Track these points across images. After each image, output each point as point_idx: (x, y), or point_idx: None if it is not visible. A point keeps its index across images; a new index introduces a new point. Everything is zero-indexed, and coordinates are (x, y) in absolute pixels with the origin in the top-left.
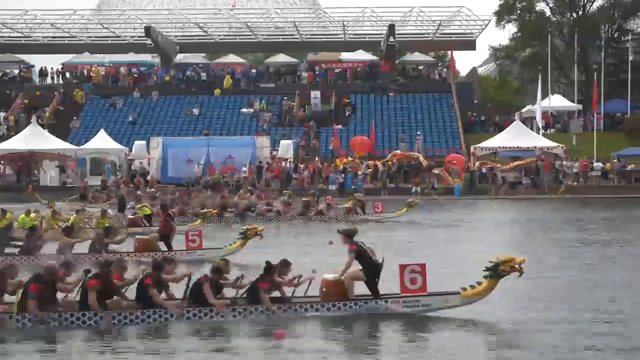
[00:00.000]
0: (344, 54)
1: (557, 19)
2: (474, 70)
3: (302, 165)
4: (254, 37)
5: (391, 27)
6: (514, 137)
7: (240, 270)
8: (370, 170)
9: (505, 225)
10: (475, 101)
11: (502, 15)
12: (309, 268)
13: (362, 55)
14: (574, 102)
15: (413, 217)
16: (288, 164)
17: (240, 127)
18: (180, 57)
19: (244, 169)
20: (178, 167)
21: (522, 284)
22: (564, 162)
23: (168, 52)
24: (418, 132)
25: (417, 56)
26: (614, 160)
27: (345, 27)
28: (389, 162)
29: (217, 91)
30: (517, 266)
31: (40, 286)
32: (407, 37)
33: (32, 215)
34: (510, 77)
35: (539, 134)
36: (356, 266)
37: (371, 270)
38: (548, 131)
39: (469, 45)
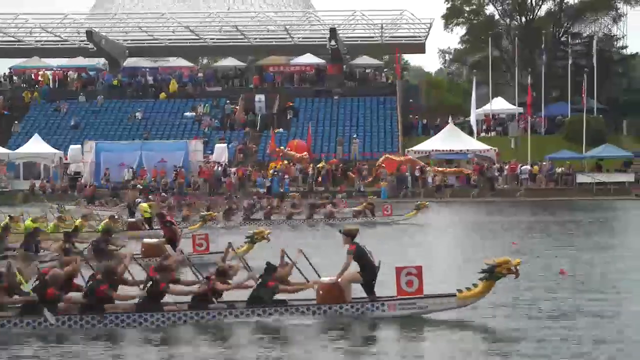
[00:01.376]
0: (293, 57)
1: (505, 23)
2: (421, 73)
3: (232, 169)
4: (202, 41)
5: (332, 31)
6: (448, 140)
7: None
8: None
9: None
10: (421, 104)
11: (450, 18)
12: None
13: (310, 58)
14: (523, 104)
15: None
16: (219, 168)
17: (182, 131)
18: (130, 61)
19: (175, 172)
20: (111, 171)
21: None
22: (493, 166)
23: (115, 56)
24: (355, 136)
25: (364, 59)
26: (543, 163)
27: (290, 32)
28: (319, 166)
29: (162, 95)
30: (513, 268)
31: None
32: (357, 41)
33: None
34: (462, 80)
35: (473, 136)
36: (353, 268)
37: (369, 271)
38: (489, 134)
39: (418, 48)
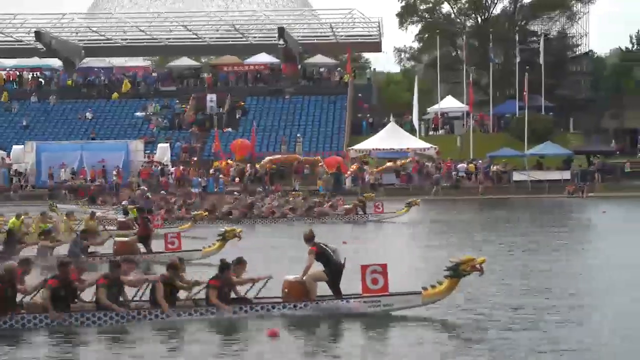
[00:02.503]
0: (247, 57)
1: (460, 21)
2: (373, 72)
3: (172, 169)
4: (158, 41)
5: (281, 30)
6: (388, 139)
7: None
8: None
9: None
10: (373, 103)
11: (405, 17)
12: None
13: (264, 58)
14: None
15: None
16: (158, 168)
17: (131, 130)
18: (85, 62)
19: (114, 172)
20: (54, 171)
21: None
22: (430, 164)
23: (70, 56)
24: (298, 135)
25: (319, 59)
26: (479, 162)
27: (243, 31)
28: (257, 165)
29: (114, 95)
30: (478, 266)
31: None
32: (313, 40)
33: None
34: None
35: (415, 135)
36: (318, 267)
37: (333, 270)
38: (438, 132)
39: (375, 47)
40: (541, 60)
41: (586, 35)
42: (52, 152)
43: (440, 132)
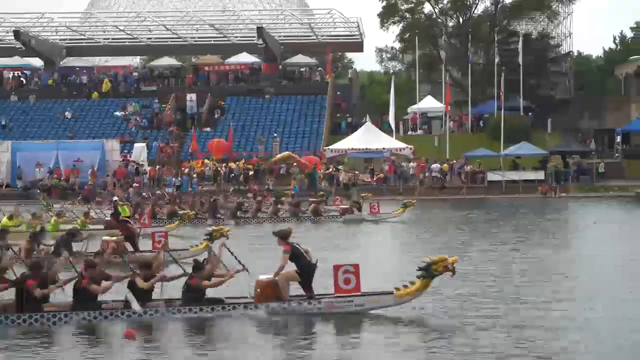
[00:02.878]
0: (229, 57)
1: (442, 21)
2: (354, 71)
3: (147, 168)
4: (140, 40)
5: (259, 30)
6: (364, 138)
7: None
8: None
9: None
10: (354, 103)
11: (386, 17)
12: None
13: (245, 57)
14: (461, 102)
15: None
16: (132, 167)
17: (110, 130)
18: (67, 61)
19: (89, 171)
20: (28, 171)
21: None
22: (404, 164)
23: (51, 56)
24: (275, 134)
25: (300, 58)
26: (453, 162)
27: (224, 31)
28: (231, 165)
29: (94, 95)
30: (449, 266)
31: None
32: (294, 40)
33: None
34: (400, 78)
35: (392, 135)
36: (291, 267)
37: (305, 270)
38: (416, 132)
39: (356, 47)
40: (520, 61)
41: (570, 35)
42: (27, 152)
43: (419, 132)
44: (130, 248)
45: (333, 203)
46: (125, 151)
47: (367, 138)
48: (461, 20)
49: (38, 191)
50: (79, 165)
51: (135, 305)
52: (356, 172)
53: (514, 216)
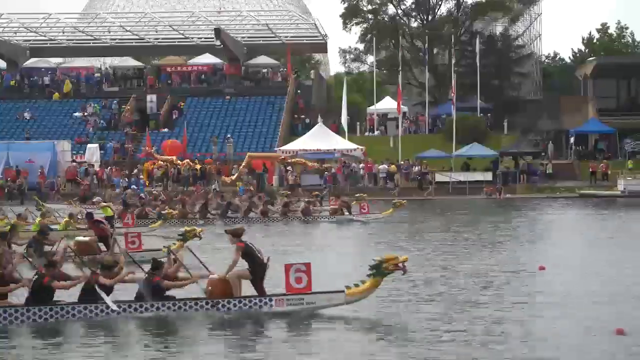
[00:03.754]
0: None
1: (404, 22)
2: (316, 72)
3: (96, 169)
4: (102, 42)
5: (217, 31)
6: (316, 139)
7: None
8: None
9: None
10: (312, 104)
11: (349, 18)
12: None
13: (207, 58)
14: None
15: None
16: (81, 168)
17: (67, 131)
18: (30, 62)
19: (39, 172)
20: None
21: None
22: (354, 164)
23: (13, 56)
24: (228, 135)
25: (262, 59)
26: (400, 163)
27: (184, 32)
28: (181, 166)
29: (55, 95)
30: (400, 264)
31: None
32: (258, 41)
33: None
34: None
35: (344, 137)
36: (243, 265)
37: (257, 268)
38: (373, 133)
39: (321, 47)
40: (477, 61)
41: (539, 37)
42: None
43: (376, 133)
44: (103, 248)
45: (329, 203)
46: (81, 152)
47: (319, 139)
48: (423, 21)
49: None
50: (30, 166)
51: (109, 302)
52: (295, 174)
53: (440, 217)
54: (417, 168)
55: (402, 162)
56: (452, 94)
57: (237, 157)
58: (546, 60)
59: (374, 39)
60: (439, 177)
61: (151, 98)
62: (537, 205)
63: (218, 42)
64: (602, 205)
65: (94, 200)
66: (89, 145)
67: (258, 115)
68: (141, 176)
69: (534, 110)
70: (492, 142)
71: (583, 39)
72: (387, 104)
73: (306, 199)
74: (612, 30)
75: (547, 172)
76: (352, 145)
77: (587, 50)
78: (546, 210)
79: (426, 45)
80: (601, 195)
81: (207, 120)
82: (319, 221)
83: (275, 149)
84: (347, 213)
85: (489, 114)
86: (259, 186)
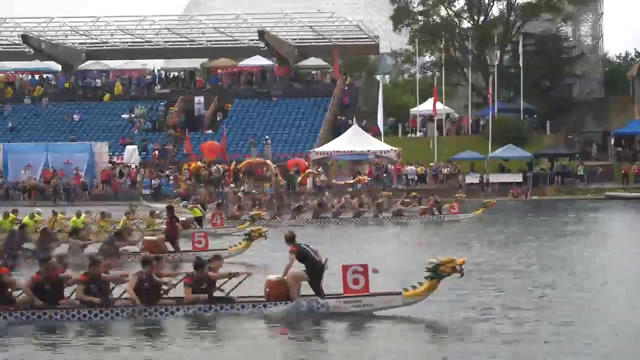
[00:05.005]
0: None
1: (455, 23)
2: (365, 75)
3: (128, 171)
4: (155, 44)
5: (261, 33)
6: (351, 141)
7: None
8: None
9: None
10: (358, 105)
11: (398, 19)
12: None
13: (257, 60)
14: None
15: None
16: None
17: (114, 132)
18: (85, 65)
19: (74, 172)
20: (18, 172)
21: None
22: (390, 166)
23: (67, 59)
24: (267, 136)
25: (312, 61)
26: (430, 164)
27: (233, 35)
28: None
29: (106, 97)
30: (457, 267)
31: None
32: (311, 43)
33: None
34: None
35: (381, 138)
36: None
37: (313, 270)
38: (415, 134)
39: (373, 49)
40: (520, 62)
41: (601, 37)
42: (18, 153)
43: (419, 134)
44: (170, 248)
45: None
46: (123, 153)
47: (354, 140)
48: (476, 22)
49: (19, 192)
50: (67, 167)
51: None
52: (322, 174)
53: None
54: (446, 169)
55: (432, 164)
56: (489, 95)
57: (276, 159)
58: (617, 61)
59: (418, 40)
60: (469, 179)
61: (199, 100)
62: (559, 207)
63: (262, 44)
64: (624, 207)
65: (181, 204)
66: (127, 147)
67: (302, 116)
68: (171, 177)
69: (581, 112)
70: (534, 143)
71: None
72: (431, 106)
73: (401, 200)
74: None
75: (579, 173)
76: (387, 147)
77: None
78: (565, 212)
79: (469, 46)
80: (628, 197)
81: (251, 121)
82: (410, 221)
83: (309, 150)
84: (438, 213)
85: (534, 115)
86: (290, 187)
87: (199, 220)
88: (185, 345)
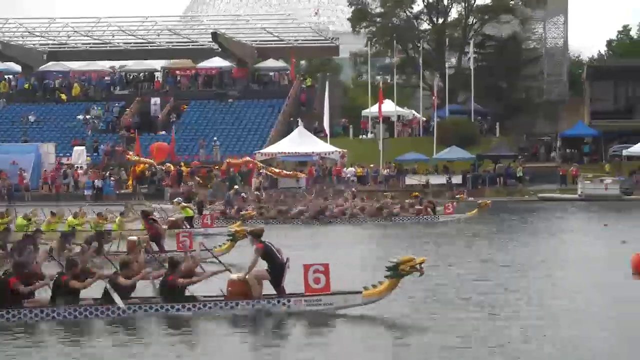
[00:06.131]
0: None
1: (414, 25)
2: (323, 75)
3: (81, 171)
4: (115, 45)
5: (214, 35)
6: (295, 142)
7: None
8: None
9: None
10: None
11: (357, 21)
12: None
13: (217, 62)
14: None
15: None
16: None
17: (67, 134)
18: (45, 66)
19: (18, 173)
20: None
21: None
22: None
23: (28, 61)
24: (215, 138)
25: (271, 62)
26: (370, 165)
27: (188, 36)
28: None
29: (62, 97)
30: (417, 266)
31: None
32: (270, 44)
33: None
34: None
35: (326, 140)
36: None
37: (276, 269)
38: (366, 136)
39: (332, 51)
40: (471, 65)
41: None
42: None
43: (370, 135)
44: (155, 248)
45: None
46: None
47: (299, 142)
48: (435, 23)
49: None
50: (12, 167)
51: (119, 301)
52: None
53: None
54: (386, 171)
55: (372, 165)
56: (434, 97)
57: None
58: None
59: (376, 41)
60: (409, 180)
61: (155, 101)
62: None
63: (216, 46)
64: (551, 208)
65: (173, 200)
66: (75, 148)
67: (256, 118)
68: (112, 178)
69: (535, 114)
70: (484, 145)
71: (607, 42)
72: (384, 107)
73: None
74: (633, 32)
75: (517, 175)
76: (331, 148)
77: (610, 53)
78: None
79: (421, 47)
80: (559, 199)
81: (205, 123)
82: (404, 222)
83: (254, 152)
84: (433, 214)
85: (488, 117)
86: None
87: (190, 220)
88: (144, 344)
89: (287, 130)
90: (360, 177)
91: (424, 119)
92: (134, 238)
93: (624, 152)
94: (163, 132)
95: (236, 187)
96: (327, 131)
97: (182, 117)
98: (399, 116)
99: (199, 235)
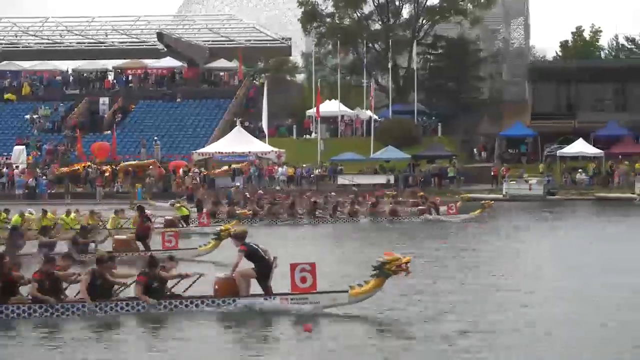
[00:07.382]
0: (150, 61)
1: (366, 25)
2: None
3: (16, 171)
4: (67, 45)
5: (159, 35)
6: (232, 142)
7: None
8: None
9: None
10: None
11: (307, 22)
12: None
13: (168, 62)
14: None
15: None
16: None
17: (14, 133)
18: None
19: None
20: None
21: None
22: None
23: None
24: (156, 138)
25: (221, 62)
26: (303, 165)
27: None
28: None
29: (10, 96)
30: (403, 265)
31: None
32: (224, 44)
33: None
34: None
35: (264, 140)
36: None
37: (262, 268)
38: (311, 135)
39: (285, 51)
40: (414, 65)
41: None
42: None
43: (313, 135)
44: (141, 247)
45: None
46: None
47: (236, 142)
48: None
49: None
50: None
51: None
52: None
53: None
54: (318, 171)
55: (304, 165)
56: (371, 97)
57: (165, 159)
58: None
59: (325, 41)
60: (341, 180)
61: (103, 101)
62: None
63: (161, 46)
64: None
65: (169, 202)
66: (15, 147)
67: (202, 118)
68: (44, 178)
69: (477, 114)
70: (425, 145)
71: (561, 43)
72: (329, 107)
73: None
74: (586, 33)
75: (449, 175)
76: (268, 148)
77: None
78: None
79: (364, 47)
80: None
81: (150, 122)
82: (406, 222)
83: (192, 151)
84: (435, 214)
85: (433, 118)
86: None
87: (186, 219)
88: (134, 343)
89: (231, 130)
90: (290, 177)
91: (376, 117)
92: (121, 236)
93: (558, 153)
94: (108, 132)
95: (238, 184)
96: (266, 131)
97: (128, 116)
98: (342, 116)
99: (194, 234)
